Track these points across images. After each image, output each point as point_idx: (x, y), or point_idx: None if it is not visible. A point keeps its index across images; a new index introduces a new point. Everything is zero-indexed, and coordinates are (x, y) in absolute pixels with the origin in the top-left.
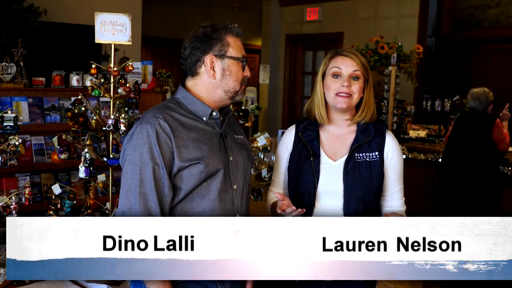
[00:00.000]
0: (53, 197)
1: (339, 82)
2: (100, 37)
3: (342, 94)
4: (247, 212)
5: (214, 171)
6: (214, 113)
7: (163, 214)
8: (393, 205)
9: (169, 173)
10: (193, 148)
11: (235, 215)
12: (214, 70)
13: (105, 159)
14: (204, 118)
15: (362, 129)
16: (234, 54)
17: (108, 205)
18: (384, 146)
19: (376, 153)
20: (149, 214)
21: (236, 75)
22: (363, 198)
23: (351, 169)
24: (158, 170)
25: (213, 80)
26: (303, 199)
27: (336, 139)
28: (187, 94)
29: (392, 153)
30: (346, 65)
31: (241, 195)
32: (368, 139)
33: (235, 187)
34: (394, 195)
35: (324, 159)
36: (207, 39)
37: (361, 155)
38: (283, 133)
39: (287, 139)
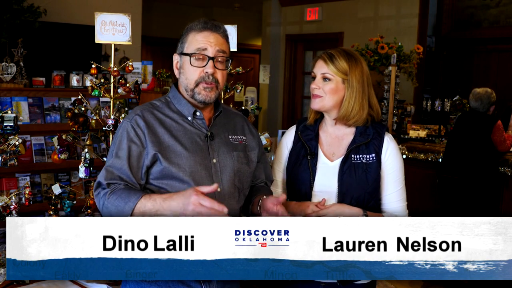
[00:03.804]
0: (53, 197)
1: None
2: (100, 37)
3: (314, 95)
4: (239, 215)
5: (187, 172)
6: (197, 113)
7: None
8: (391, 209)
9: (143, 159)
10: (168, 138)
11: None
12: (177, 69)
13: (105, 159)
14: (189, 118)
15: (361, 131)
16: (186, 50)
17: None
18: (382, 148)
19: (373, 155)
20: (120, 170)
21: (188, 71)
22: (357, 199)
23: (347, 170)
24: (134, 146)
25: (180, 79)
26: (299, 198)
27: (335, 140)
28: (176, 93)
29: (389, 156)
30: (318, 67)
31: (227, 198)
32: (365, 140)
33: (219, 190)
34: (391, 198)
35: (321, 159)
36: (179, 40)
37: (358, 156)
38: (283, 133)
39: (287, 138)
